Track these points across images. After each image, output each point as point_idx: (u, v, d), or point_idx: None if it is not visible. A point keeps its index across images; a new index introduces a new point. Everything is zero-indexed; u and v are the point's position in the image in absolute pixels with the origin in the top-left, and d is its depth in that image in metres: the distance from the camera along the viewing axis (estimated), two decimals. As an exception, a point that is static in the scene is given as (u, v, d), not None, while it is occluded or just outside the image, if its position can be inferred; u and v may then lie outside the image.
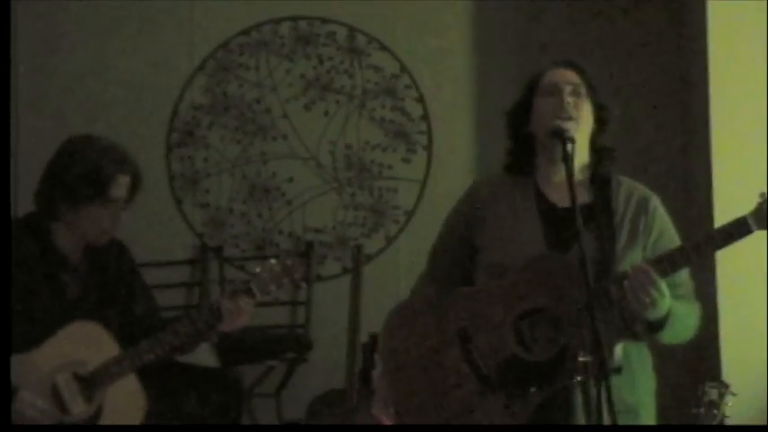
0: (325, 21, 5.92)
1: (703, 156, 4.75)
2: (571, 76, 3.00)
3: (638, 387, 2.93)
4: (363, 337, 5.04)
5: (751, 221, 2.73)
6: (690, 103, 5.33)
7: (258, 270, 3.39)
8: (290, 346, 5.45)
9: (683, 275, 2.94)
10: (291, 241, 5.84)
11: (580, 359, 2.68)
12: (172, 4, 5.93)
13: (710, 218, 4.54)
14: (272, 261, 3.39)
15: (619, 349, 2.81)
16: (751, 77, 4.56)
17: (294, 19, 5.94)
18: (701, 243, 2.78)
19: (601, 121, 3.00)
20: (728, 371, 4.38)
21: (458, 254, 3.07)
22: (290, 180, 5.88)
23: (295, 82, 5.92)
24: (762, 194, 2.74)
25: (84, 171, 3.33)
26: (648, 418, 2.96)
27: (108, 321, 3.38)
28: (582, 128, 2.95)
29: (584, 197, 2.92)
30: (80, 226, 3.37)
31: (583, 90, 2.97)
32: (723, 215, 4.23)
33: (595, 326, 2.57)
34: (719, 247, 2.78)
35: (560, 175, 2.88)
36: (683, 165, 5.49)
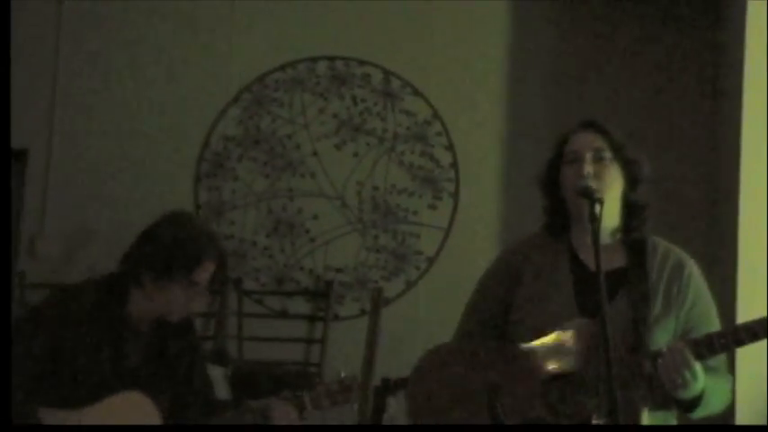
0: (361, 62, 5.96)
1: (732, 177, 4.73)
2: (593, 140, 2.95)
3: None
4: (376, 381, 5.03)
5: None
6: (721, 132, 5.32)
7: (318, 386, 3.44)
8: (303, 383, 5.44)
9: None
10: (311, 279, 5.85)
11: (593, 422, 2.67)
12: (211, 36, 6.01)
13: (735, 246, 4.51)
14: (332, 381, 3.46)
15: (644, 416, 2.78)
16: None
17: (331, 59, 5.99)
18: (741, 331, 2.73)
19: (632, 179, 2.95)
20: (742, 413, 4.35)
21: (491, 312, 3.05)
22: (315, 218, 5.90)
23: (327, 121, 5.96)
24: None
25: (176, 250, 3.34)
26: None
27: (162, 395, 3.38)
28: (611, 190, 2.91)
29: (619, 261, 2.91)
30: (157, 300, 3.37)
31: (606, 154, 2.93)
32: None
33: (613, 390, 2.55)
34: (758, 338, 2.73)
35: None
36: (711, 185, 5.49)
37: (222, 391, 4.53)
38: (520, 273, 3.00)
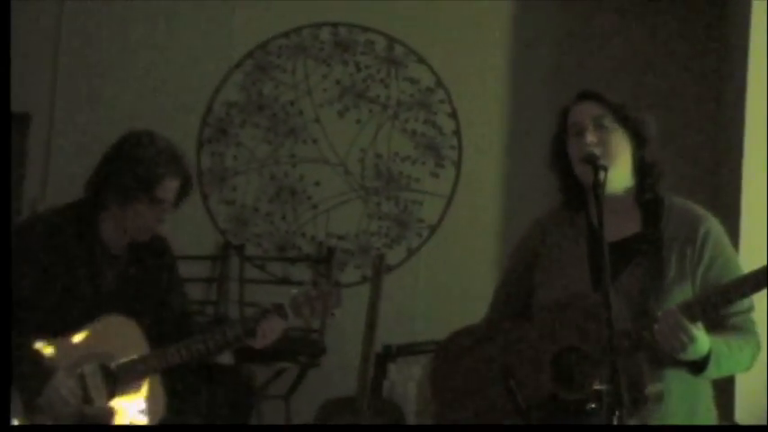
0: (365, 29, 5.94)
1: (735, 161, 4.72)
2: (591, 108, 2.94)
3: (696, 418, 2.89)
4: (377, 348, 5.05)
5: None
6: (725, 113, 5.32)
7: (294, 292, 3.42)
8: (304, 349, 5.46)
9: (745, 303, 2.85)
10: (313, 245, 5.85)
11: (595, 387, 2.67)
12: (214, 2, 5.98)
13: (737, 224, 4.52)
14: (309, 286, 3.44)
15: (658, 390, 2.79)
16: None
17: (334, 25, 5.97)
18: (730, 290, 2.73)
19: (638, 139, 2.93)
20: (742, 413, 4.36)
21: (515, 290, 3.08)
22: (318, 184, 5.89)
23: (330, 87, 5.94)
24: None
25: (136, 169, 3.36)
26: None
27: (142, 316, 3.40)
28: (618, 154, 2.90)
29: (633, 226, 2.91)
30: (125, 221, 3.40)
31: (606, 120, 2.91)
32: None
33: (614, 357, 2.55)
34: (746, 295, 2.74)
35: (609, 206, 2.79)
36: (714, 170, 5.49)
37: (225, 356, 4.53)
38: (538, 250, 3.02)
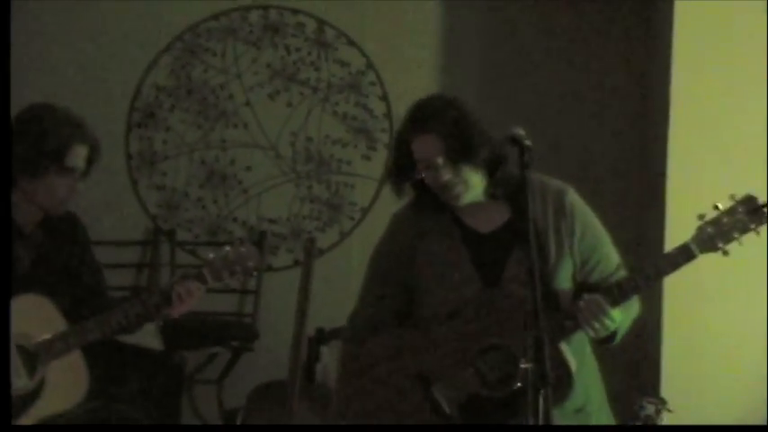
0: (295, 11, 5.90)
1: (660, 155, 4.79)
2: (428, 147, 2.89)
3: (587, 388, 2.97)
4: (310, 331, 5.04)
5: (694, 248, 2.82)
6: (649, 105, 5.38)
7: (212, 256, 3.38)
8: (236, 334, 5.44)
9: (614, 261, 2.98)
10: (245, 230, 5.83)
11: (521, 366, 2.70)
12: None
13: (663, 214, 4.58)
14: (226, 248, 3.39)
15: (569, 354, 2.84)
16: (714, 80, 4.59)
17: (264, 8, 5.93)
18: (649, 272, 2.84)
19: (468, 149, 2.89)
20: (668, 387, 4.43)
21: (392, 293, 3.05)
22: (249, 168, 5.86)
23: (260, 71, 5.90)
24: (700, 216, 2.82)
25: (40, 139, 3.30)
26: (602, 416, 3.01)
27: (57, 295, 3.35)
28: (468, 179, 2.92)
29: (502, 215, 2.95)
30: (36, 195, 3.34)
31: (440, 159, 2.88)
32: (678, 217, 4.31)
33: (539, 333, 2.57)
34: (665, 274, 2.86)
35: (475, 203, 2.92)
36: (640, 161, 5.55)
37: (154, 341, 4.51)
38: (413, 248, 2.99)
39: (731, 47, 4.57)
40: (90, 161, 3.40)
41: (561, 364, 2.80)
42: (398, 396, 2.92)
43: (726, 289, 4.43)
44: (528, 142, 2.79)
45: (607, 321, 2.80)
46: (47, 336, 3.27)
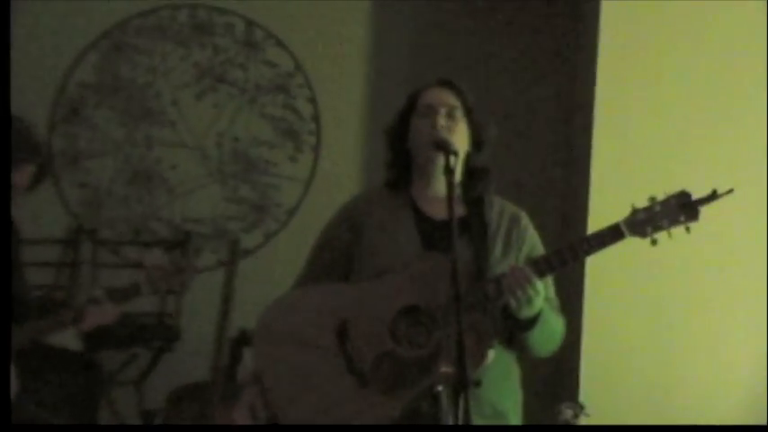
0: (223, 12, 5.88)
1: (582, 166, 4.85)
2: (447, 97, 3.05)
3: (504, 395, 3.01)
4: (232, 332, 5.01)
5: (623, 228, 2.85)
6: (573, 110, 5.45)
7: (148, 266, 3.37)
8: (157, 334, 5.39)
9: (551, 291, 3.04)
10: (169, 229, 5.78)
11: (442, 369, 2.74)
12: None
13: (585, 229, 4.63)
14: (161, 257, 3.38)
15: (490, 356, 2.86)
16: (639, 85, 4.65)
17: (193, 7, 5.89)
18: (576, 246, 2.87)
19: (477, 143, 3.06)
20: (587, 392, 4.48)
21: (336, 259, 3.10)
22: (174, 168, 5.82)
23: (188, 70, 5.86)
24: (634, 205, 2.86)
25: None
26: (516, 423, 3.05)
27: None
28: (461, 147, 3.00)
29: (459, 211, 2.97)
30: None
31: (458, 112, 3.03)
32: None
33: (461, 338, 2.61)
34: (593, 250, 2.87)
35: (435, 189, 3.02)
36: (564, 176, 5.61)
37: (72, 341, 4.45)
38: (361, 226, 3.07)
39: (654, 63, 4.64)
40: (37, 179, 3.37)
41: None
42: (316, 343, 2.92)
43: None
44: (455, 147, 2.87)
45: (530, 291, 2.82)
46: None
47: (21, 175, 3.32)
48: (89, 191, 5.78)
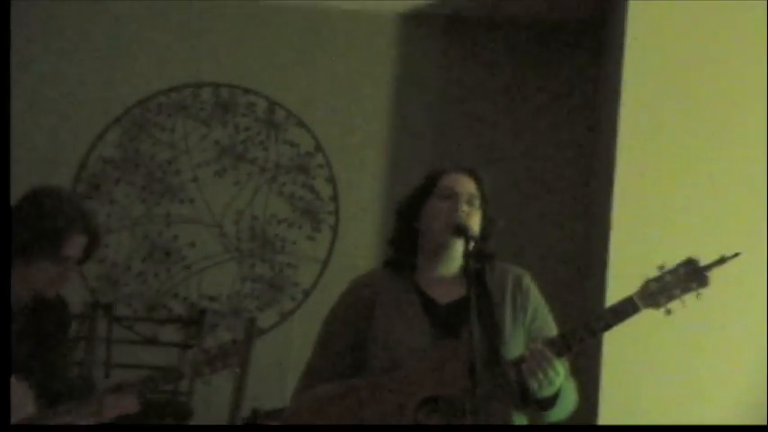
0: (246, 91, 5.94)
1: (602, 221, 4.82)
2: (469, 184, 3.06)
3: None
4: (245, 412, 4.98)
5: (637, 300, 2.84)
6: (594, 168, 5.43)
7: (194, 351, 3.36)
8: (171, 411, 5.35)
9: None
10: (185, 306, 5.77)
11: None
12: (96, 56, 5.91)
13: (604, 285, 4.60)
14: (211, 345, 3.38)
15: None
16: (660, 141, 4.63)
17: (216, 86, 5.95)
18: (592, 323, 2.85)
19: (485, 232, 3.05)
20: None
21: (347, 347, 3.05)
22: (192, 245, 5.83)
23: (209, 148, 5.91)
24: (645, 277, 2.85)
25: (40, 225, 3.27)
26: None
27: (34, 375, 3.29)
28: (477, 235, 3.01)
29: (459, 291, 2.97)
30: (29, 279, 3.30)
31: (477, 201, 3.04)
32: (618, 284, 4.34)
33: (477, 411, 2.60)
34: (609, 326, 2.86)
35: (440, 272, 3.01)
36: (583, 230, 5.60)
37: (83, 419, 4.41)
38: (371, 309, 3.03)
39: (676, 117, 4.63)
40: (89, 250, 3.36)
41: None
42: None
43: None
44: (474, 233, 2.88)
45: (551, 373, 2.80)
46: (16, 418, 3.20)
47: (72, 248, 3.30)
48: (106, 265, 5.79)
